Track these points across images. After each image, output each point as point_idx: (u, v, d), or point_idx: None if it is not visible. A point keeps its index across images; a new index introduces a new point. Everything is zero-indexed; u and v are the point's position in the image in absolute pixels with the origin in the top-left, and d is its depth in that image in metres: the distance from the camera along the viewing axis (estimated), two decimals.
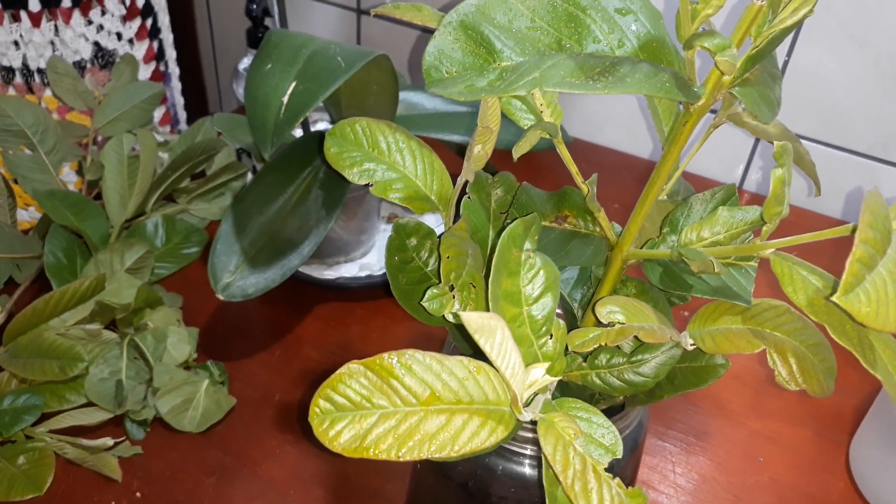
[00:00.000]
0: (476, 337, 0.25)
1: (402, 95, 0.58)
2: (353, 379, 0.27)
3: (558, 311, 0.41)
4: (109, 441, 0.49)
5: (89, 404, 0.51)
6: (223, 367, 0.55)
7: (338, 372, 0.27)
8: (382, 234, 0.66)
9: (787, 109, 0.73)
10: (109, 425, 0.51)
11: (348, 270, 0.62)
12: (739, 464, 0.53)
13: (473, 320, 0.24)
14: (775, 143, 0.28)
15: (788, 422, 0.55)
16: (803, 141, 0.73)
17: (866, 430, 0.51)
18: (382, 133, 0.38)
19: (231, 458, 0.51)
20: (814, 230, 0.29)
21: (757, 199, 0.77)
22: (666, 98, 0.27)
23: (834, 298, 0.23)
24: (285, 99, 0.44)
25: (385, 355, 0.27)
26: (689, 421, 0.55)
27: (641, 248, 0.36)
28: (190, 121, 0.93)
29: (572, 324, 0.40)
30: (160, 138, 0.71)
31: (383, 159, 0.37)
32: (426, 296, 0.33)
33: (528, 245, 0.31)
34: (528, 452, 0.36)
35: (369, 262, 0.63)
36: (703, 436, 0.54)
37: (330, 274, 0.61)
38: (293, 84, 0.44)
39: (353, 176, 0.37)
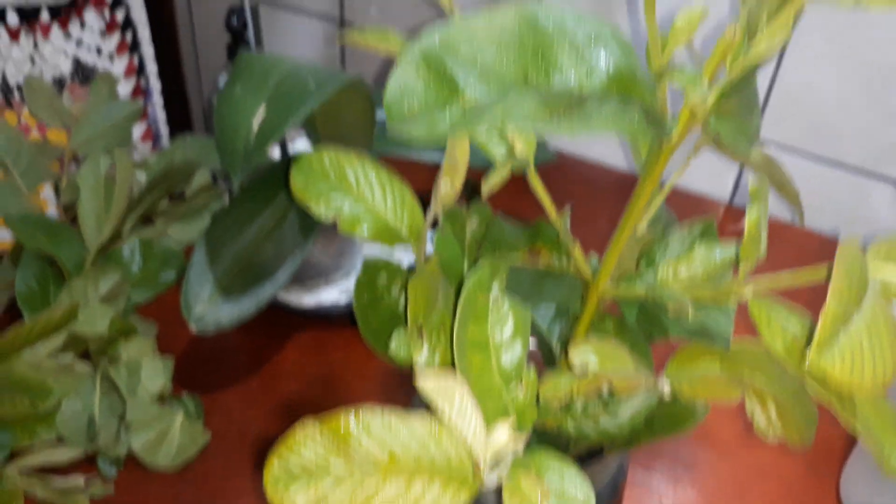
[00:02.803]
0: (434, 401, 0.24)
1: (383, 114, 0.57)
2: (308, 439, 0.25)
3: (535, 348, 0.39)
4: (81, 481, 0.48)
5: (60, 441, 0.50)
6: (199, 400, 0.53)
7: (292, 432, 0.25)
8: (363, 256, 0.65)
9: (775, 121, 0.71)
10: (81, 463, 0.50)
11: (329, 295, 0.60)
12: (728, 497, 0.51)
13: (430, 385, 0.23)
14: (750, 183, 0.27)
15: (779, 452, 0.54)
16: (792, 154, 0.72)
17: (856, 463, 0.50)
18: (350, 164, 0.36)
19: (206, 495, 0.49)
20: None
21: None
22: (635, 135, 0.25)
23: (807, 361, 0.21)
24: (255, 125, 0.43)
25: (342, 415, 0.25)
26: (676, 452, 0.54)
27: (618, 284, 0.35)
28: (172, 136, 0.92)
29: (550, 361, 0.39)
30: (138, 157, 0.70)
31: (351, 192, 0.36)
32: (393, 341, 0.31)
33: (495, 289, 0.29)
34: None
35: (351, 285, 0.62)
36: (691, 468, 0.53)
37: (309, 300, 0.60)
38: (263, 109, 0.43)
39: (320, 210, 0.35)
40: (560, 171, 0.78)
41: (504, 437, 0.25)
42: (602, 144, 0.81)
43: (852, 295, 0.22)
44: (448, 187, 0.32)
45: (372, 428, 0.25)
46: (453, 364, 0.30)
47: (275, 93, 0.44)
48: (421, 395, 0.37)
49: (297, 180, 0.36)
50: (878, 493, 0.47)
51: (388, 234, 0.36)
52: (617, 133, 0.32)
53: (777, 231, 0.72)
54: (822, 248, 0.69)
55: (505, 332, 0.29)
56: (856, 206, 0.72)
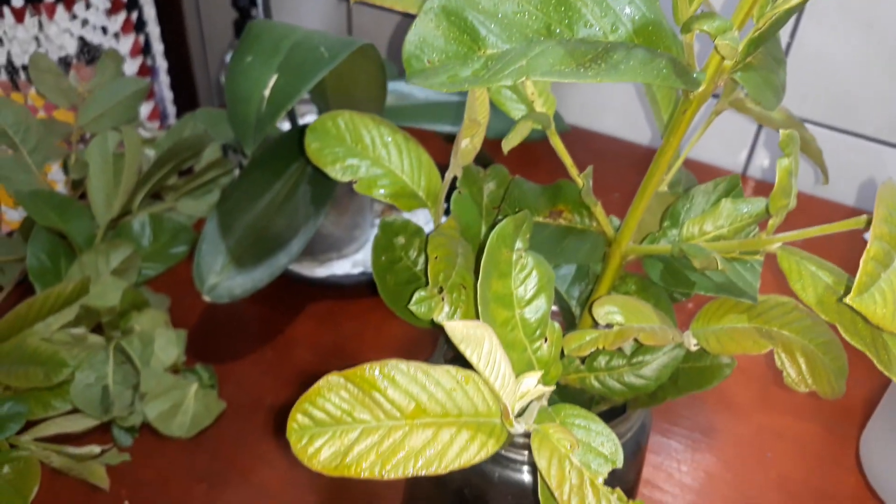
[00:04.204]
0: (462, 347, 0.23)
1: (393, 86, 0.57)
2: (332, 392, 0.25)
3: (555, 309, 0.39)
4: (96, 449, 0.48)
5: (75, 411, 0.50)
6: (212, 371, 0.53)
7: (316, 385, 0.25)
8: (375, 230, 0.64)
9: (790, 93, 0.70)
10: (96, 432, 0.50)
11: (341, 267, 0.60)
12: (747, 460, 0.51)
13: (459, 330, 0.23)
14: (781, 131, 0.26)
15: (796, 416, 0.54)
16: (808, 125, 0.71)
17: (877, 424, 0.50)
18: (366, 127, 0.36)
19: (221, 464, 0.49)
20: (821, 218, 0.27)
21: (762, 186, 0.75)
22: (663, 86, 0.25)
23: (847, 300, 0.21)
24: (266, 92, 0.42)
25: (367, 366, 0.25)
26: (694, 417, 0.53)
27: (641, 242, 0.34)
28: (179, 115, 0.91)
29: (570, 322, 0.38)
30: (146, 135, 0.69)
31: (367, 154, 0.35)
32: (413, 299, 0.31)
33: (519, 244, 0.29)
34: (525, 459, 0.35)
35: (363, 258, 0.61)
36: (710, 432, 0.52)
37: (322, 272, 0.59)
38: (275, 77, 0.42)
39: (336, 172, 0.35)
40: (573, 144, 0.77)
41: (533, 384, 0.25)
42: (613, 118, 0.80)
43: (893, 238, 0.22)
44: (468, 144, 0.31)
45: (397, 379, 0.25)
46: None
47: (287, 60, 0.44)
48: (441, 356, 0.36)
49: (312, 144, 0.36)
50: None
51: (405, 196, 0.35)
52: (642, 83, 0.31)
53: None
54: (838, 217, 0.69)
55: (528, 287, 0.29)
56: (872, 175, 0.71)
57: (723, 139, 0.76)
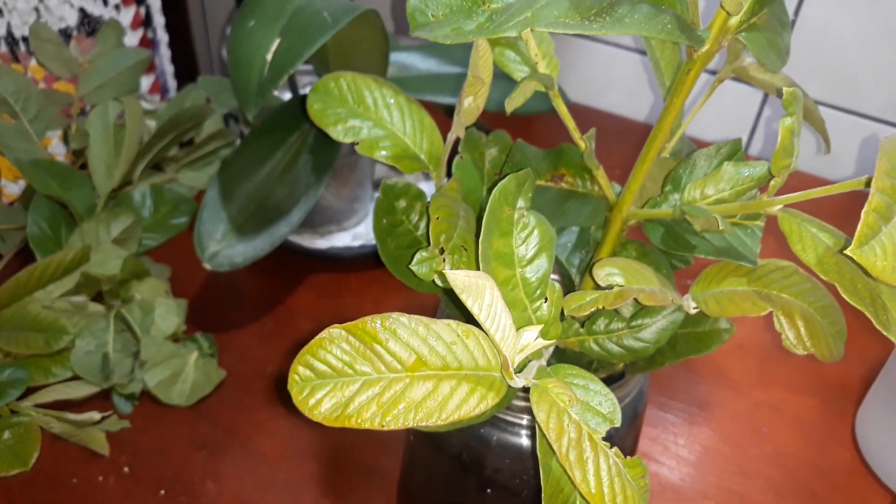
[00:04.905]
0: (463, 297, 0.23)
1: (395, 56, 0.56)
2: (334, 344, 0.25)
3: (555, 276, 0.39)
4: (96, 415, 0.48)
5: (75, 378, 0.50)
6: (213, 340, 0.53)
7: (318, 337, 0.25)
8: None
9: (793, 71, 0.70)
10: (96, 399, 0.50)
11: (341, 240, 0.60)
12: (743, 435, 0.51)
13: (460, 279, 0.23)
14: (784, 88, 0.26)
15: (793, 391, 0.54)
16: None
17: (873, 400, 0.50)
18: (368, 88, 0.36)
19: (221, 431, 0.50)
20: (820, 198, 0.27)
21: None
22: (668, 40, 0.25)
23: (848, 251, 0.21)
24: (269, 57, 0.42)
25: (368, 319, 0.25)
26: (691, 391, 0.54)
27: (642, 207, 0.34)
28: (180, 89, 0.91)
29: (570, 290, 0.38)
30: (147, 106, 0.69)
31: (369, 116, 0.35)
32: (415, 259, 0.31)
33: (521, 203, 0.29)
34: (522, 423, 0.35)
35: (363, 231, 0.61)
36: (706, 406, 0.53)
37: (322, 244, 0.59)
38: (277, 41, 0.42)
39: (338, 133, 0.35)
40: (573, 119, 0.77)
41: (533, 337, 0.25)
42: (614, 95, 0.80)
43: (895, 191, 0.22)
44: (472, 103, 0.31)
45: (398, 332, 0.25)
46: None
47: (289, 24, 0.43)
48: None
49: (314, 105, 0.36)
50: (894, 432, 0.47)
51: (407, 158, 0.35)
52: (646, 37, 0.31)
53: (796, 181, 0.72)
54: (839, 198, 0.69)
55: (530, 246, 0.29)
56: (874, 155, 0.71)
57: (723, 123, 0.76)
